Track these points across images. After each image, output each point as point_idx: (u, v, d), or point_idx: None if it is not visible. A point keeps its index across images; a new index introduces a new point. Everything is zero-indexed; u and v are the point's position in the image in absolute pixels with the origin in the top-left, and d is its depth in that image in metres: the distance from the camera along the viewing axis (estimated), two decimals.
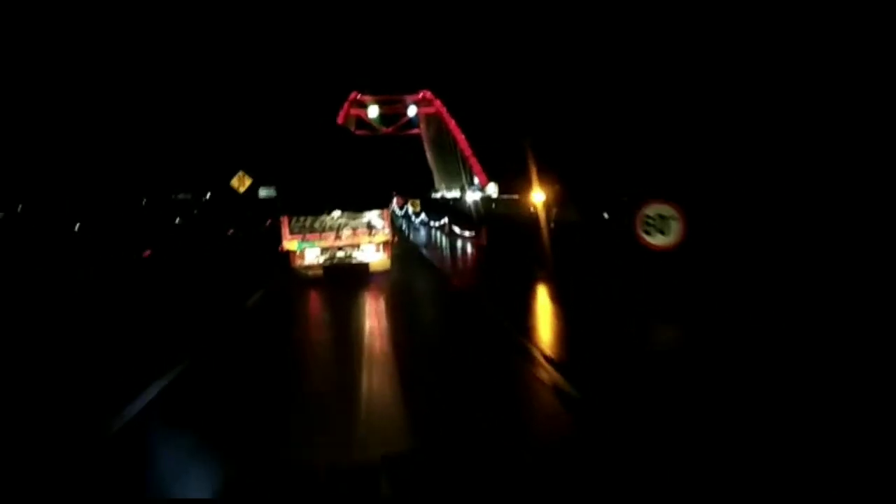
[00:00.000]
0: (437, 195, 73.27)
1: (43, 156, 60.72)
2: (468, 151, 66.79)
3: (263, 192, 25.23)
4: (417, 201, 35.30)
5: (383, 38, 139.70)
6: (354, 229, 13.26)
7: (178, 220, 42.73)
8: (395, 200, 42.24)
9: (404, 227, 36.65)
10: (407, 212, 42.60)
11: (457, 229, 26.87)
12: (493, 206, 44.34)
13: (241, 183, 20.38)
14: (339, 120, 68.61)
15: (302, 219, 13.17)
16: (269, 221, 29.48)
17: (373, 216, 13.39)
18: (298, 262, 13.29)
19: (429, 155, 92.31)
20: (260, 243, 23.19)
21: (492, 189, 64.79)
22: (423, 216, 36.12)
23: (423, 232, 33.86)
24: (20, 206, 55.01)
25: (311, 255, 13.18)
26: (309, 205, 13.25)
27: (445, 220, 30.04)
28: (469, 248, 23.09)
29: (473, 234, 24.46)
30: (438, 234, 30.57)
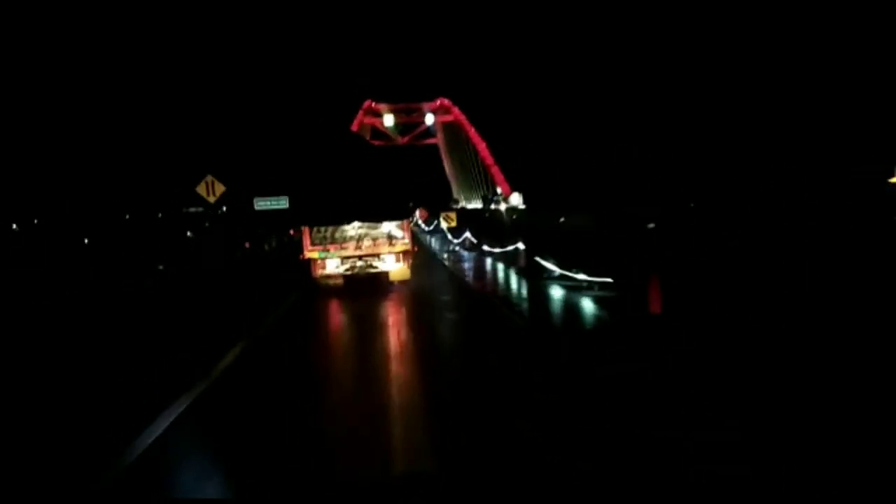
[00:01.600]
0: (457, 206, 69.90)
1: (57, 168, 58.70)
2: (489, 160, 63.47)
3: (261, 205, 22.29)
4: (453, 214, 24.96)
5: (397, 46, 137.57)
6: (375, 239, 13.39)
7: (189, 234, 40.99)
8: (418, 213, 38.15)
9: (436, 249, 25.76)
10: (437, 226, 32.96)
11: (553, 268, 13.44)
12: (528, 218, 40.24)
13: (209, 191, 16.18)
14: (355, 127, 65.67)
15: (323, 229, 13.35)
16: (291, 232, 26.59)
17: (393, 226, 13.53)
18: (319, 272, 13.29)
19: (446, 165, 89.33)
20: (276, 260, 22.49)
21: (516, 199, 61.42)
22: (467, 235, 23.54)
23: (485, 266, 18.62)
24: (36, 219, 53.62)
25: (332, 264, 13.26)
26: (329, 216, 13.42)
27: (519, 246, 17.86)
28: None
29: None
30: (511, 273, 16.27)
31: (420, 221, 40.76)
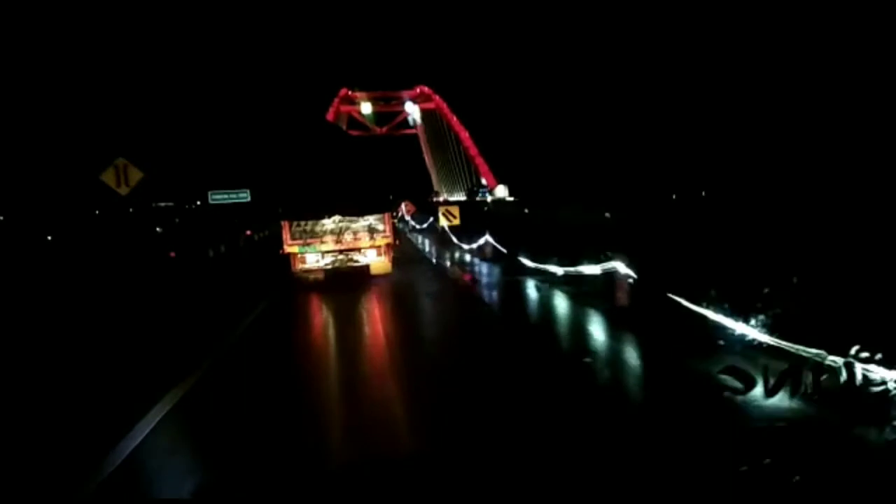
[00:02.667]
0: (440, 198, 66.75)
1: (22, 163, 54.46)
2: (473, 150, 60.43)
3: (218, 198, 19.29)
4: (456, 210, 19.67)
5: (374, 32, 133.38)
6: (356, 233, 13.37)
7: (158, 230, 38.93)
8: (403, 207, 34.27)
9: (438, 261, 17.23)
10: (431, 223, 26.69)
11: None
12: (521, 211, 37.06)
13: (120, 179, 12.45)
14: (330, 117, 62.08)
15: (303, 223, 13.24)
16: (248, 232, 23.11)
17: (373, 220, 13.47)
18: (299, 266, 13.21)
19: (426, 156, 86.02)
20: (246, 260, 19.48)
21: (501, 191, 58.58)
22: (488, 239, 15.93)
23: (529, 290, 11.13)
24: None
25: (312, 258, 13.21)
26: (309, 209, 13.34)
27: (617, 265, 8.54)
28: None
29: None
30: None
31: (406, 217, 35.01)
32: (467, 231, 18.73)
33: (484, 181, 60.09)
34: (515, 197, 53.75)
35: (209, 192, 19.02)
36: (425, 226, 28.89)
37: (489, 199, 49.79)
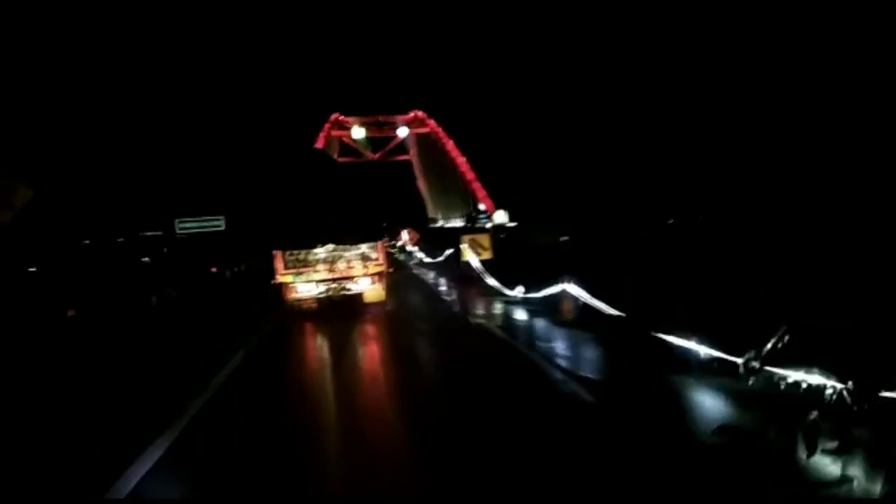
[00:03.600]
0: (437, 225, 64.40)
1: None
2: (470, 175, 58.24)
3: (187, 226, 17.00)
4: (486, 238, 15.55)
5: (367, 56, 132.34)
6: (349, 261, 13.17)
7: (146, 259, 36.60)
8: (406, 235, 30.67)
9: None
10: (448, 257, 20.15)
11: None
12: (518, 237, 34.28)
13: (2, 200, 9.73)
14: (320, 143, 60.03)
15: (295, 252, 13.02)
16: (213, 270, 20.40)
17: (366, 248, 13.28)
18: (292, 296, 12.95)
19: (421, 182, 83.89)
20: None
21: (500, 216, 56.38)
22: (572, 291, 9.45)
23: None
24: None
25: (305, 288, 13.00)
26: (301, 239, 13.09)
27: None
28: None
29: None
30: None
31: (409, 246, 29.23)
32: (505, 269, 13.72)
33: (482, 206, 57.86)
34: (515, 222, 51.53)
35: (176, 221, 16.70)
36: (439, 259, 22.21)
37: (489, 225, 47.41)
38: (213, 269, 19.58)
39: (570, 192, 60.60)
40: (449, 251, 20.37)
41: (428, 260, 24.20)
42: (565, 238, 22.95)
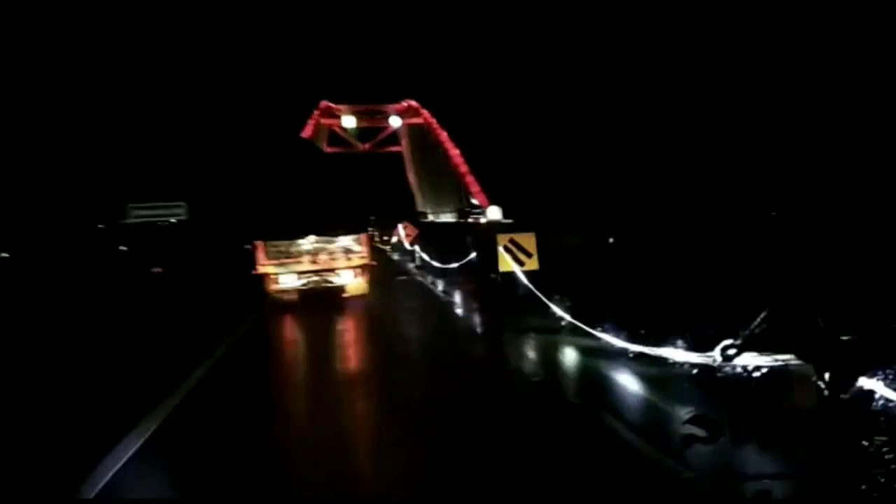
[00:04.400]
0: (425, 220, 62.41)
1: None
2: (463, 168, 56.30)
3: (143, 213, 15.13)
4: (530, 240, 10.49)
5: (359, 42, 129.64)
6: (331, 254, 13.14)
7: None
8: (401, 230, 25.57)
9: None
10: (465, 266, 15.86)
11: None
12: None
13: None
14: (308, 132, 57.81)
15: (277, 243, 12.88)
16: (159, 269, 18.15)
17: (350, 240, 13.26)
18: (273, 287, 12.89)
19: (410, 174, 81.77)
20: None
21: (494, 212, 54.44)
22: None
23: None
24: None
25: (287, 279, 12.91)
26: (283, 230, 12.98)
27: None
28: None
29: None
30: None
31: (406, 243, 24.31)
32: (565, 288, 9.45)
33: (475, 201, 55.96)
34: (511, 219, 49.71)
35: (128, 206, 14.74)
36: (453, 266, 16.39)
37: (483, 221, 45.49)
38: (158, 269, 17.20)
39: (565, 187, 59.03)
40: (472, 255, 15.29)
41: (437, 265, 18.10)
42: (612, 240, 19.43)
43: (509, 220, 48.98)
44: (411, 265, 22.59)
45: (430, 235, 25.48)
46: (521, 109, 59.30)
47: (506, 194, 56.95)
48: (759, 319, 4.86)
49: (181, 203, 16.66)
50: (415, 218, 67.30)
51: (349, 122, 60.88)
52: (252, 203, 13.80)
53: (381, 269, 17.53)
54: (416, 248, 22.09)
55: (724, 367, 5.11)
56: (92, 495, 4.03)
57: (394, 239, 29.78)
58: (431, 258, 19.64)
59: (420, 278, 18.34)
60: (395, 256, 29.38)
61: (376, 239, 34.40)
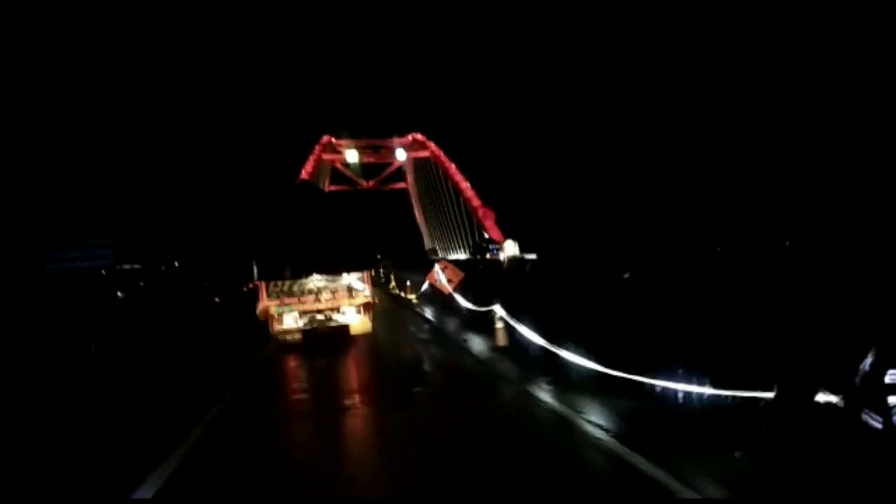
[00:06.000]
0: (436, 258, 58.55)
1: None
2: (475, 202, 52.65)
3: (55, 257, 11.59)
4: None
5: (361, 76, 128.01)
6: (334, 292, 12.99)
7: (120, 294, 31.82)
8: (439, 273, 16.75)
9: None
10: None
11: None
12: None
13: None
14: (309, 168, 54.52)
15: (280, 283, 12.84)
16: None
17: (353, 278, 13.10)
18: (277, 327, 12.81)
19: (417, 210, 78.46)
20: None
21: (512, 247, 50.74)
22: None
23: None
24: None
25: (290, 319, 12.84)
26: (285, 270, 12.83)
27: None
28: None
29: None
30: None
31: (448, 286, 16.49)
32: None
33: (487, 236, 52.19)
34: (526, 253, 45.90)
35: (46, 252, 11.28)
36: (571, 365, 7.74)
37: (501, 257, 41.64)
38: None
39: (583, 220, 55.58)
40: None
41: (540, 341, 9.00)
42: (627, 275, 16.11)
43: (532, 256, 45.31)
44: (449, 328, 14.56)
45: (478, 280, 17.43)
46: (529, 138, 56.24)
47: (517, 226, 53.45)
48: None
49: (107, 241, 13.65)
50: (422, 255, 63.73)
51: (352, 156, 57.64)
52: (254, 244, 13.42)
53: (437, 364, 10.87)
54: (464, 300, 14.94)
55: None
56: None
57: (424, 286, 19.91)
58: (522, 325, 9.98)
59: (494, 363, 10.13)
60: (429, 313, 18.26)
61: (392, 286, 28.94)
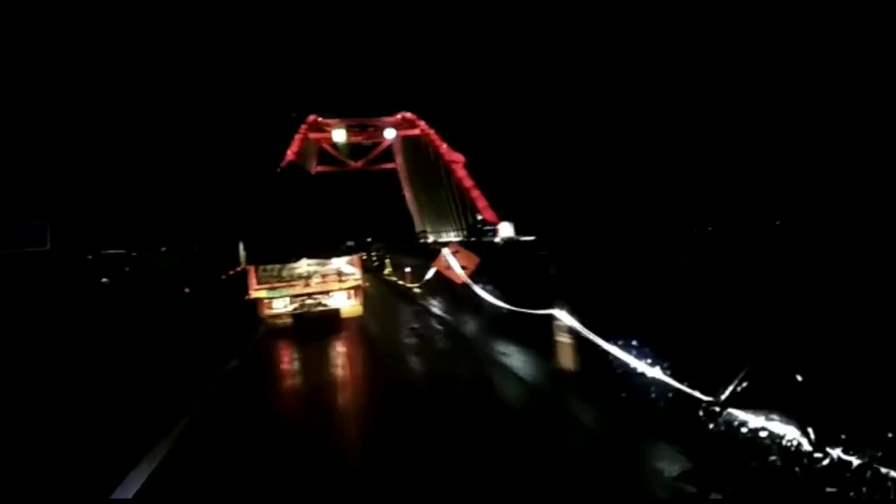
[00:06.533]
0: (429, 239, 57.03)
1: None
2: (468, 182, 51.07)
3: None
4: None
5: (348, 52, 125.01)
6: (324, 276, 13.09)
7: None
8: (449, 257, 13.93)
9: None
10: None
11: None
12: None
13: None
14: (295, 148, 52.57)
15: (269, 267, 12.83)
16: None
17: (343, 262, 13.22)
18: (267, 312, 12.84)
19: (407, 192, 76.65)
20: None
21: (507, 229, 49.29)
22: None
23: None
24: None
25: (280, 303, 12.87)
26: (275, 254, 12.94)
27: None
28: None
29: None
30: None
31: (464, 275, 13.77)
32: None
33: (480, 217, 50.75)
34: (522, 235, 44.53)
35: None
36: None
37: (497, 239, 40.20)
38: None
39: (576, 198, 54.29)
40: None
41: (649, 370, 5.46)
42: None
43: (530, 238, 43.91)
44: (537, 372, 8.04)
45: (495, 265, 15.30)
46: (522, 116, 54.59)
47: (510, 206, 51.90)
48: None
49: (42, 222, 13.59)
50: (412, 238, 62.15)
51: (339, 136, 55.70)
52: (240, 227, 13.64)
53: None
54: (483, 290, 12.23)
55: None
56: None
57: (429, 273, 16.73)
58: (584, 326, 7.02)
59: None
60: (438, 308, 15.10)
61: (387, 272, 25.52)
